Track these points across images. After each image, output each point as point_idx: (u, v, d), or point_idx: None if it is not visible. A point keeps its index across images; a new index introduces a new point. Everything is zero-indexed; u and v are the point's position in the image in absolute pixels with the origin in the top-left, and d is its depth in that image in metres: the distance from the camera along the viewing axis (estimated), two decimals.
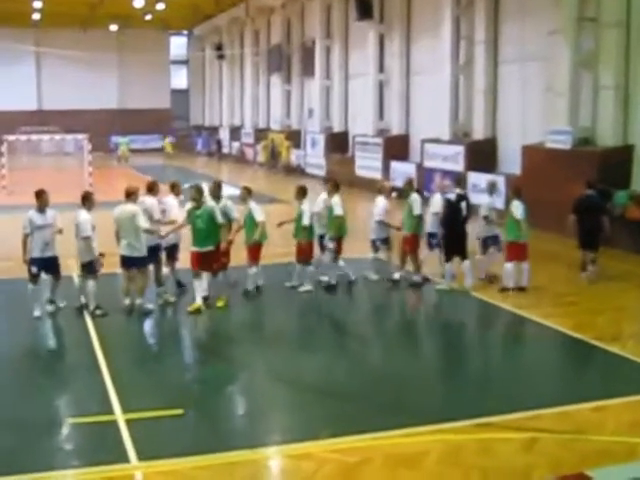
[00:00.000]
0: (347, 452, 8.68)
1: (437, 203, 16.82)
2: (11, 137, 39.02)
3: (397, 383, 11.18)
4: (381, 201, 17.23)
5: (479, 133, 28.94)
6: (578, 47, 23.31)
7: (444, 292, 16.29)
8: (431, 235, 17.02)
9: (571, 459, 8.55)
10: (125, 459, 8.56)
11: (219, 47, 59.93)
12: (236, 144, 57.28)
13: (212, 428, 9.62)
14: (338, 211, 16.30)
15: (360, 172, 36.20)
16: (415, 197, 16.82)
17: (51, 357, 12.74)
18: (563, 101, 23.56)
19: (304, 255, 16.36)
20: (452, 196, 16.57)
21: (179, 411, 9.99)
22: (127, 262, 14.50)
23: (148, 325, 14.13)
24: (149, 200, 15.22)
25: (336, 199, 16.44)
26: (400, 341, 13.71)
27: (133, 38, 65.21)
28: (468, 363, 12.47)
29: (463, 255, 16.46)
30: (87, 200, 14.57)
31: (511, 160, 26.69)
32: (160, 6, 51.63)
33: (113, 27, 62.84)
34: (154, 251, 15.06)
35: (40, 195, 14.31)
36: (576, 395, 10.54)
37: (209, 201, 14.93)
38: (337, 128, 41.47)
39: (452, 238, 16.36)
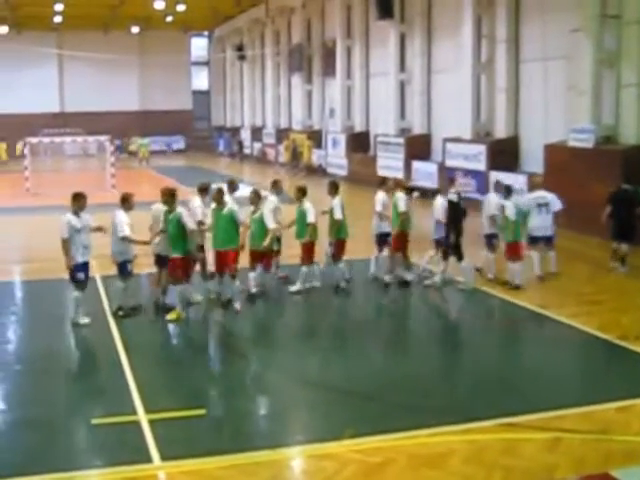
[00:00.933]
0: (370, 452, 8.66)
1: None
2: (34, 139, 39.26)
3: (420, 383, 11.15)
4: (382, 195, 17.10)
5: (501, 132, 28.82)
6: (600, 45, 23.18)
7: (438, 288, 16.42)
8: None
9: (595, 459, 8.50)
10: (148, 459, 8.59)
11: (240, 48, 60.00)
12: (258, 145, 57.34)
13: (234, 428, 9.63)
14: (338, 215, 16.14)
15: (382, 172, 36.09)
16: (400, 195, 16.71)
17: (75, 357, 12.80)
18: (585, 99, 23.44)
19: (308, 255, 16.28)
20: (454, 197, 16.62)
21: (201, 411, 10.01)
22: (162, 260, 14.74)
23: (171, 325, 14.15)
24: (196, 201, 15.64)
25: (336, 201, 16.26)
26: (422, 340, 13.67)
27: (154, 40, 65.44)
28: (491, 363, 12.40)
29: (460, 255, 16.57)
30: (126, 201, 14.59)
31: (533, 159, 26.57)
32: (181, 7, 51.74)
33: (134, 29, 63.07)
34: (200, 249, 15.29)
35: (78, 198, 14.16)
36: (600, 395, 10.45)
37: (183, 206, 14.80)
38: (358, 128, 41.41)
39: (455, 238, 16.49)
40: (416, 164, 33.38)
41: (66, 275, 14.10)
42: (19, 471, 8.34)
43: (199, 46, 73.03)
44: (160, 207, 14.84)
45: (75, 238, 13.79)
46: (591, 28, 23.10)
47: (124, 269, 14.49)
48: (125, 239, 14.28)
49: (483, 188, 27.95)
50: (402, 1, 36.14)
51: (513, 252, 16.39)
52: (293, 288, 16.08)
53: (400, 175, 33.04)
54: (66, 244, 13.75)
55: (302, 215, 16.05)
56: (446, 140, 31.33)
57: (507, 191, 16.82)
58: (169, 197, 14.44)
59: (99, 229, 14.48)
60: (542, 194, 17.97)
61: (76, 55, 59.70)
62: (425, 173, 32.17)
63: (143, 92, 68.22)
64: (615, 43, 22.97)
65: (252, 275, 15.78)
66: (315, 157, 45.17)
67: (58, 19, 56.31)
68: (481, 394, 10.80)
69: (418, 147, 34.46)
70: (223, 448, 8.86)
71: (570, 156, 23.71)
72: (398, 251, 16.82)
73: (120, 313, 14.35)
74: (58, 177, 38.08)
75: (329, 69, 44.95)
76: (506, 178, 26.47)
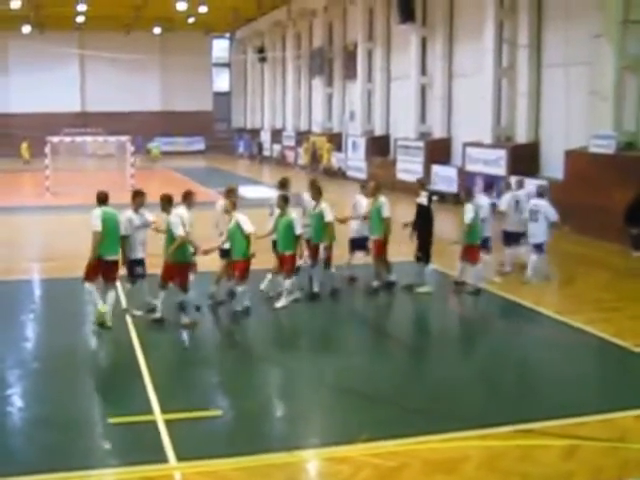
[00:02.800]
0: (385, 456, 8.65)
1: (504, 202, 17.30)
2: (55, 139, 39.44)
3: (436, 388, 11.13)
4: (362, 198, 17.03)
5: (522, 137, 28.73)
6: (623, 50, 23.07)
7: (427, 295, 16.30)
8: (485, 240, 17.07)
9: (612, 467, 8.46)
10: (164, 459, 8.61)
11: (261, 50, 60.10)
12: (277, 147, 57.42)
13: (250, 430, 9.63)
14: (329, 217, 15.89)
15: (401, 176, 36.11)
16: (383, 200, 16.47)
17: (92, 356, 12.83)
18: (607, 105, 23.33)
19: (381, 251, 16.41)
20: (424, 200, 16.64)
21: (217, 412, 10.03)
22: (226, 254, 14.98)
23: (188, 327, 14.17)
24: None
25: (324, 205, 15.97)
26: (437, 345, 13.64)
27: (176, 41, 65.66)
28: (507, 368, 12.36)
29: (428, 259, 16.60)
30: (187, 198, 14.66)
31: (554, 165, 26.47)
32: (203, 9, 51.90)
33: (156, 30, 63.30)
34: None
35: (137, 196, 14.45)
36: (618, 402, 10.38)
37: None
38: (378, 131, 41.39)
39: (429, 241, 16.53)
40: (436, 168, 33.33)
41: (80, 273, 14.19)
42: (36, 469, 8.37)
43: (220, 48, 73.22)
44: (222, 205, 15.22)
45: (134, 235, 14.14)
46: (613, 33, 23.01)
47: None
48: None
49: (503, 193, 27.86)
50: (424, 5, 36.13)
51: (471, 255, 16.43)
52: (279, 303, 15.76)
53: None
54: (124, 241, 14.02)
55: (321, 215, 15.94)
56: (466, 144, 31.27)
57: (467, 194, 17.01)
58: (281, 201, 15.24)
59: (156, 227, 14.72)
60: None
61: (98, 55, 60.04)
62: (445, 177, 32.11)
63: (164, 93, 68.45)
64: (638, 49, 22.86)
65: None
66: (335, 160, 45.18)
67: (81, 19, 56.59)
68: (497, 400, 10.77)
69: (438, 151, 34.41)
70: (238, 450, 8.86)
71: (591, 162, 23.62)
72: (381, 256, 16.57)
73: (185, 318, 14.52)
74: (78, 177, 38.22)
75: (350, 72, 44.96)
76: (526, 184, 26.47)
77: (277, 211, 15.46)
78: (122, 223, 14.03)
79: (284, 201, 15.38)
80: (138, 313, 14.36)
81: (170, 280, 14.08)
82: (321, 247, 16.09)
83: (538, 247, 17.36)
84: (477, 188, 19.43)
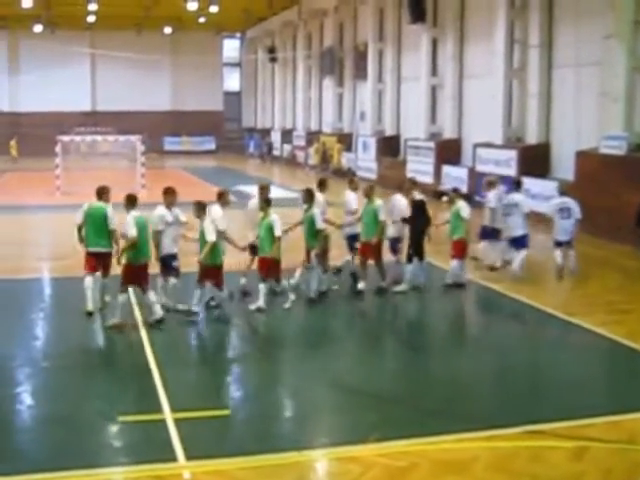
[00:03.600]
0: (394, 456, 8.64)
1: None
2: (65, 138, 39.52)
3: (445, 388, 11.12)
4: (352, 195, 17.02)
5: (532, 138, 28.68)
6: (634, 51, 23.02)
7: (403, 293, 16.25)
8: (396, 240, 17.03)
9: (622, 469, 8.44)
10: (173, 458, 8.61)
11: (272, 50, 60.15)
12: (288, 147, 57.45)
13: (259, 429, 9.63)
14: (320, 225, 15.57)
15: (411, 176, 35.99)
16: (380, 202, 16.22)
17: (102, 355, 12.85)
18: (618, 106, 23.27)
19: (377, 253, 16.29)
20: (419, 197, 16.69)
21: (227, 411, 10.04)
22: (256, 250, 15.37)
23: (198, 325, 14.18)
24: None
25: (316, 210, 15.67)
26: (447, 346, 13.61)
27: (186, 41, 65.72)
28: (517, 369, 12.32)
29: (422, 256, 16.56)
30: (222, 198, 15.04)
31: (564, 165, 26.42)
32: (213, 9, 51.90)
33: (167, 29, 63.38)
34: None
35: (169, 193, 14.74)
36: (628, 404, 10.34)
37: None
38: (389, 131, 41.37)
39: (420, 239, 16.45)
40: (446, 169, 33.30)
41: None
42: (46, 467, 8.40)
43: (231, 47, 73.28)
44: (256, 203, 15.62)
45: (167, 231, 14.42)
46: (625, 34, 22.95)
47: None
48: (222, 232, 14.68)
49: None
50: (435, 5, 36.10)
51: (461, 250, 16.57)
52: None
53: (430, 180, 33.11)
54: (157, 236, 14.37)
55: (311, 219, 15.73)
56: (477, 145, 31.23)
57: (454, 192, 17.23)
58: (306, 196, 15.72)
59: (186, 224, 14.94)
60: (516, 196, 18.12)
61: (109, 55, 60.18)
62: (455, 178, 32.06)
63: (175, 92, 68.54)
64: None
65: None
66: (345, 160, 45.17)
67: (91, 19, 56.68)
68: (506, 400, 10.74)
69: (448, 152, 34.38)
70: (247, 449, 8.86)
71: (602, 163, 23.56)
72: (379, 260, 16.32)
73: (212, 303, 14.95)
74: (88, 176, 38.22)
75: (360, 72, 44.96)
76: (535, 184, 26.45)
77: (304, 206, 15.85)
78: (154, 219, 14.44)
79: (310, 196, 15.75)
80: (181, 307, 14.51)
81: (206, 280, 14.29)
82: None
83: (517, 241, 17.48)
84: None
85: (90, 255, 14.41)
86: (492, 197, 18.14)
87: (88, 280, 14.26)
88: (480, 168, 30.34)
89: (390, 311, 16.11)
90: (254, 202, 15.85)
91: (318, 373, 11.78)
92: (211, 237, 13.90)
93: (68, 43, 59.26)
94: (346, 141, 45.74)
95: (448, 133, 35.19)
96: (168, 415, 9.76)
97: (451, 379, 11.53)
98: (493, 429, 9.36)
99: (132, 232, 13.61)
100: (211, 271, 14.19)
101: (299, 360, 12.52)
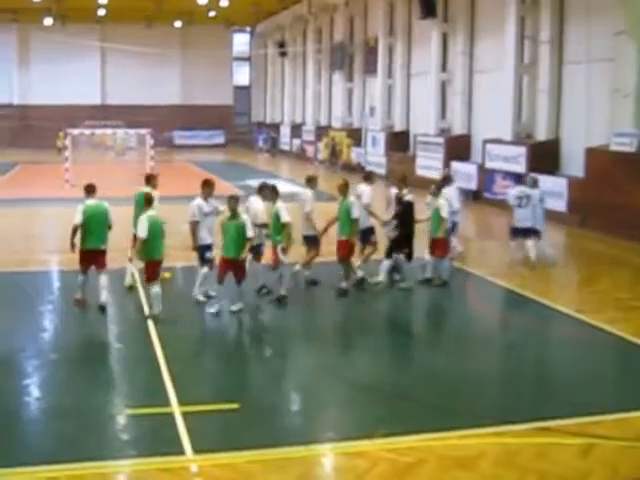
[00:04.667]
0: (401, 452, 8.64)
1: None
2: (75, 131, 39.57)
3: (453, 384, 11.10)
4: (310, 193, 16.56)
5: (542, 134, 28.60)
6: None
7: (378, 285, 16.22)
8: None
9: (629, 467, 8.43)
10: (181, 451, 8.64)
11: (281, 44, 60.12)
12: (297, 141, 57.42)
13: (266, 423, 9.64)
14: (285, 218, 15.13)
15: (421, 172, 36.00)
16: (353, 200, 15.98)
17: (110, 348, 12.86)
18: (629, 102, 23.19)
19: (347, 252, 15.99)
20: (409, 196, 16.49)
21: (235, 405, 10.05)
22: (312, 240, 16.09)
23: (206, 318, 14.20)
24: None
25: (281, 204, 15.40)
26: (455, 342, 13.58)
27: (196, 34, 65.70)
28: (525, 366, 12.32)
29: (410, 255, 16.43)
30: (262, 191, 15.61)
31: (574, 162, 26.36)
32: (224, 3, 51.96)
33: (177, 23, 63.40)
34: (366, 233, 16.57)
35: (206, 184, 15.16)
36: (636, 402, 10.33)
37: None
38: (398, 127, 41.31)
39: (406, 236, 16.34)
40: (455, 165, 33.23)
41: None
42: (54, 459, 8.44)
43: (241, 42, 73.21)
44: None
45: (203, 221, 14.76)
46: (636, 30, 22.83)
47: (259, 250, 15.51)
48: (264, 226, 15.28)
49: None
50: (445, 0, 36.01)
51: (442, 248, 16.48)
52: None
53: (439, 176, 33.05)
54: (195, 226, 14.71)
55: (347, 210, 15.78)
56: (486, 141, 31.16)
57: (438, 189, 17.02)
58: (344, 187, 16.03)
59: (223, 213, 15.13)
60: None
61: (119, 48, 60.22)
62: (464, 174, 32.01)
63: (184, 86, 68.56)
64: None
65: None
66: (354, 155, 45.13)
67: (102, 12, 56.76)
68: (514, 397, 10.75)
69: (458, 148, 34.29)
70: (254, 443, 8.88)
71: (612, 160, 23.49)
72: (349, 259, 16.01)
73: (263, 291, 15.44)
74: (97, 169, 38.27)
75: (370, 67, 44.90)
76: (545, 181, 26.40)
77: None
78: (191, 210, 14.85)
79: (346, 186, 15.98)
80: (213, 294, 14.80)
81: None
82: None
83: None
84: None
85: (88, 254, 14.29)
86: (444, 205, 16.95)
87: (82, 279, 14.38)
88: (489, 164, 30.29)
89: (396, 307, 16.07)
90: (309, 194, 16.28)
91: (326, 368, 11.78)
92: (249, 233, 14.24)
93: (78, 36, 59.31)
94: (355, 136, 45.67)
95: (458, 129, 35.12)
96: (176, 408, 9.79)
97: (458, 375, 11.52)
98: (500, 425, 9.37)
99: (142, 234, 13.73)
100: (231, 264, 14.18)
101: (307, 355, 12.52)
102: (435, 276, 16.58)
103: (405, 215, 16.28)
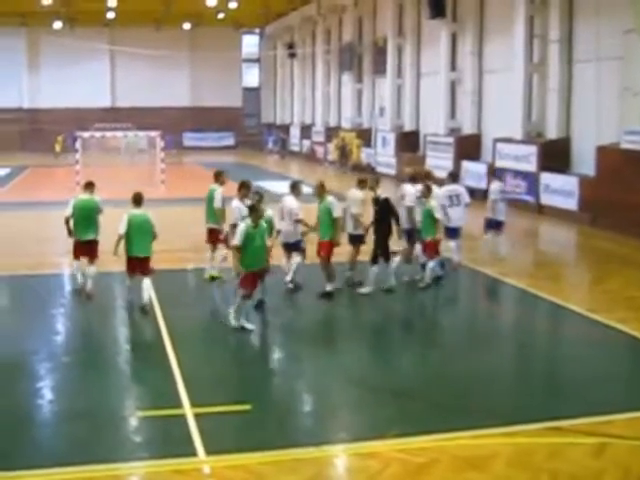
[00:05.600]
0: (413, 452, 8.63)
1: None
2: (85, 134, 39.66)
3: (465, 384, 11.08)
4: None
5: (552, 133, 28.53)
6: None
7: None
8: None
9: None
10: (193, 452, 8.65)
11: (291, 45, 60.15)
12: (307, 142, 57.43)
13: (278, 425, 9.65)
14: (338, 212, 15.40)
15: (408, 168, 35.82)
16: (331, 199, 15.72)
17: (122, 350, 12.88)
18: (639, 101, 23.11)
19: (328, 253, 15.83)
20: (383, 195, 16.12)
21: (247, 407, 10.05)
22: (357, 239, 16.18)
23: (219, 319, 14.21)
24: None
25: (331, 199, 15.55)
26: (466, 341, 13.55)
27: (206, 36, 65.76)
28: (537, 365, 12.30)
29: (388, 256, 16.03)
30: (296, 188, 15.89)
31: (585, 161, 26.29)
32: (232, 5, 51.98)
33: (186, 25, 63.47)
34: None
35: (243, 187, 15.54)
36: None
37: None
38: (408, 127, 41.28)
39: (386, 239, 15.95)
40: (466, 164, 33.19)
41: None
42: (66, 461, 8.45)
43: (250, 43, 73.26)
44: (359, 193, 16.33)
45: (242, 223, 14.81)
46: None
47: (299, 246, 15.91)
48: (299, 222, 15.66)
49: (533, 190, 27.75)
50: (454, 0, 35.97)
51: (434, 249, 16.26)
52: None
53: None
54: (234, 228, 14.63)
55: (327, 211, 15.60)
56: (496, 140, 31.11)
57: (428, 190, 16.48)
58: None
59: None
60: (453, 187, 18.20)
61: (128, 51, 60.34)
62: (475, 173, 31.96)
63: (194, 88, 68.64)
64: None
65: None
66: (364, 156, 45.11)
67: (111, 15, 56.86)
68: (526, 396, 10.71)
69: (468, 147, 34.25)
70: (267, 444, 8.88)
71: (622, 158, 23.43)
72: (328, 261, 15.76)
73: (290, 286, 15.76)
74: (107, 172, 38.34)
75: (379, 68, 44.86)
76: (555, 180, 26.36)
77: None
78: (231, 212, 15.31)
79: (322, 188, 15.83)
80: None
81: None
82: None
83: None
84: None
85: (80, 244, 15.58)
86: (437, 207, 16.62)
87: (76, 265, 15.82)
88: (500, 163, 30.23)
89: (405, 306, 16.05)
90: (359, 194, 16.33)
91: (337, 369, 11.79)
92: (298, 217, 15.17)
93: (87, 39, 59.45)
94: (365, 136, 45.66)
95: (467, 128, 35.07)
96: (188, 410, 9.80)
97: (470, 375, 11.50)
98: (513, 425, 9.35)
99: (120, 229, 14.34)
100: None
101: (318, 356, 12.51)
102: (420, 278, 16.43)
103: (383, 214, 15.87)
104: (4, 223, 26.20)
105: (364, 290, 15.79)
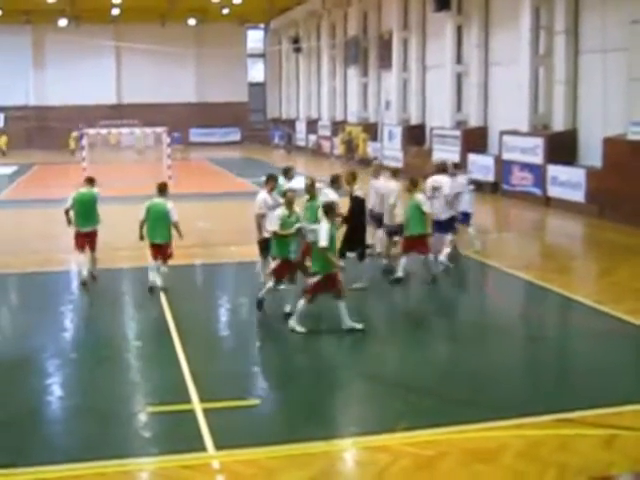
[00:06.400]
0: (423, 445, 8.64)
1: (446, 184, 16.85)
2: (91, 131, 39.70)
3: (473, 377, 11.08)
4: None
5: (559, 125, 28.44)
6: None
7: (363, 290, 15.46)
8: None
9: None
10: (202, 448, 8.67)
11: (296, 40, 60.07)
12: (313, 137, 57.40)
13: (288, 419, 9.67)
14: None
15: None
16: (420, 197, 15.86)
17: (130, 346, 12.90)
18: None
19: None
20: (360, 192, 15.84)
21: (255, 401, 10.08)
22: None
23: (225, 314, 14.24)
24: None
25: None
26: (475, 334, 13.52)
27: (211, 32, 65.75)
28: (546, 357, 12.27)
29: (363, 254, 15.79)
30: (336, 181, 15.79)
31: (592, 152, 26.20)
32: (237, 0, 51.95)
33: (191, 21, 63.43)
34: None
35: (271, 179, 15.78)
36: None
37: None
38: (414, 120, 41.21)
39: (362, 237, 15.82)
40: (472, 157, 33.14)
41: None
42: (76, 457, 8.48)
43: (255, 38, 73.24)
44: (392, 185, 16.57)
45: (268, 214, 14.99)
46: None
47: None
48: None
49: (540, 182, 27.70)
50: None
51: (424, 245, 16.01)
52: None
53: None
54: (260, 219, 15.17)
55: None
56: (503, 133, 31.05)
57: (413, 184, 16.19)
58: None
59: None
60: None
61: (133, 47, 60.38)
62: (481, 166, 31.92)
63: (199, 84, 68.64)
64: None
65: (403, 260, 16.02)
66: (370, 150, 45.06)
67: (116, 12, 56.91)
68: (535, 389, 10.72)
69: (474, 140, 34.17)
70: (276, 438, 8.90)
71: (629, 149, 23.35)
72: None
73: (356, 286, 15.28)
74: (115, 168, 38.47)
75: (385, 61, 44.79)
76: (562, 172, 26.31)
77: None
78: (257, 203, 15.39)
79: (312, 186, 15.62)
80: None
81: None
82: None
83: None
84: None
85: (81, 234, 16.41)
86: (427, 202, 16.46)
87: (80, 256, 16.56)
88: (506, 156, 30.19)
89: (414, 300, 16.06)
90: (394, 184, 16.58)
91: (346, 363, 11.81)
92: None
93: (93, 36, 59.48)
94: (371, 130, 45.60)
95: (474, 121, 34.99)
96: (197, 405, 9.82)
97: (479, 368, 11.50)
98: (522, 417, 9.35)
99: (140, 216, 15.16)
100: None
101: (326, 349, 12.54)
102: (434, 272, 16.21)
103: (356, 211, 15.68)
104: (12, 220, 26.28)
105: (358, 285, 15.46)
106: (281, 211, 13.76)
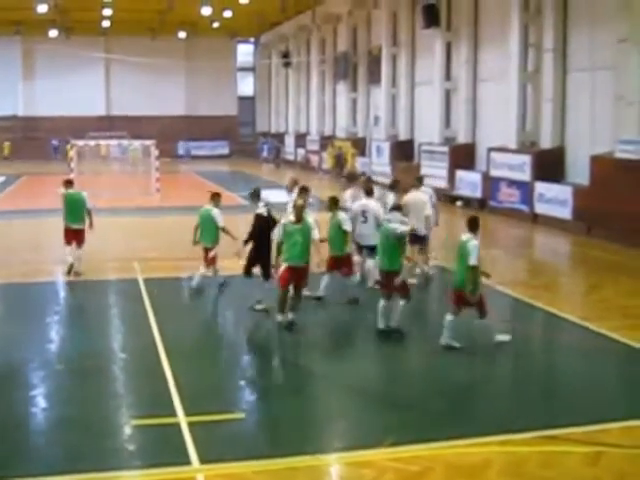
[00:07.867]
0: (408, 461, 8.62)
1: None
2: (80, 142, 39.66)
3: (459, 392, 11.10)
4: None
5: (547, 142, 28.58)
6: None
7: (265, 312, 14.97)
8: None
9: (637, 475, 8.42)
10: (187, 461, 8.63)
11: (285, 55, 60.23)
12: (301, 151, 57.49)
13: (273, 433, 9.65)
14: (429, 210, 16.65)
15: (426, 180, 35.81)
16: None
17: (116, 358, 12.84)
18: (633, 110, 23.20)
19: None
20: (264, 210, 15.22)
21: (240, 415, 10.05)
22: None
23: (213, 328, 14.20)
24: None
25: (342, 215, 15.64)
26: (460, 350, 13.50)
27: (200, 45, 65.90)
28: (531, 374, 12.28)
29: (268, 274, 15.07)
30: (395, 186, 17.32)
31: (579, 170, 26.32)
32: (227, 14, 52.11)
33: (181, 34, 63.56)
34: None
35: (303, 191, 15.94)
36: None
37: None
38: (403, 136, 41.35)
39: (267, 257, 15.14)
40: (460, 173, 33.25)
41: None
42: (60, 470, 8.43)
43: (245, 52, 73.46)
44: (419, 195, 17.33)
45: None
46: (639, 38, 22.84)
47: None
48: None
49: (527, 199, 27.79)
50: (449, 10, 36.09)
51: (348, 265, 15.77)
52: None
53: (444, 184, 33.06)
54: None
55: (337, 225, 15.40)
56: (491, 149, 31.17)
57: (334, 203, 15.79)
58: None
59: None
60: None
61: (123, 60, 60.43)
62: (469, 182, 32.03)
63: (189, 97, 68.75)
64: None
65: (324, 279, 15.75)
66: (359, 165, 45.13)
67: (106, 24, 57.01)
68: (520, 405, 10.71)
69: (462, 156, 34.30)
70: (261, 453, 8.88)
71: (617, 167, 23.47)
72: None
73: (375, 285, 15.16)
74: (103, 180, 38.36)
75: (374, 77, 44.97)
76: (550, 189, 26.40)
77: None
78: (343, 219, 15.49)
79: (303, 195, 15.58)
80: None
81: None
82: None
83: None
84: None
85: (70, 231, 18.24)
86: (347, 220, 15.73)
87: (67, 250, 18.17)
88: (494, 173, 30.30)
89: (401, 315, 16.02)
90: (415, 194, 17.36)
91: (332, 377, 11.78)
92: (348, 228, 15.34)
93: (83, 48, 59.53)
94: (360, 145, 45.72)
95: (462, 137, 35.13)
96: (182, 419, 9.78)
97: (465, 383, 11.52)
98: (507, 434, 9.35)
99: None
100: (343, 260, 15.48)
101: (313, 364, 12.50)
102: (350, 296, 15.76)
103: (258, 230, 15.14)
104: (0, 231, 26.18)
105: (260, 307, 14.96)
106: (285, 220, 14.12)
